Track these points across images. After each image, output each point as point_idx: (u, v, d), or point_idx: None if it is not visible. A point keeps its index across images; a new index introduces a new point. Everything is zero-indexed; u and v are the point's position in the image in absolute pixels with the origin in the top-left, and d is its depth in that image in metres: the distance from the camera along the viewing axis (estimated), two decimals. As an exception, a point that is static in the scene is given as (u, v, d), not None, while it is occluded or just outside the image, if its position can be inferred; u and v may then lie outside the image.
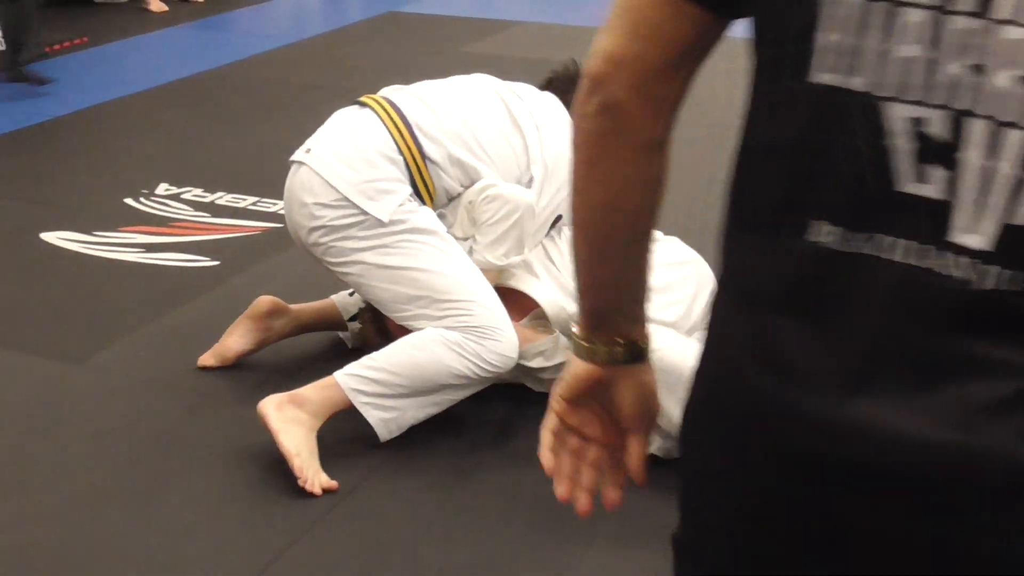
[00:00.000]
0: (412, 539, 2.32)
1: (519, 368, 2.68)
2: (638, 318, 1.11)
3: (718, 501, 1.00)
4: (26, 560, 2.24)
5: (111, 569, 2.22)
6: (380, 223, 2.56)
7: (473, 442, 2.64)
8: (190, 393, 2.84)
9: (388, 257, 2.57)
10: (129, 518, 2.36)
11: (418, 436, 2.58)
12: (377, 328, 2.84)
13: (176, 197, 4.12)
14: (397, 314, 2.61)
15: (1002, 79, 0.82)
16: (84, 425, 2.71)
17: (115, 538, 2.31)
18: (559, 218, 2.80)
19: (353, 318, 2.97)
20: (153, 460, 2.58)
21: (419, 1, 7.78)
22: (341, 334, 3.03)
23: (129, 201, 4.09)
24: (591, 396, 1.11)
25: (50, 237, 3.78)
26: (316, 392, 2.50)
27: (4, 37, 5.52)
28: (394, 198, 2.59)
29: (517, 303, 2.73)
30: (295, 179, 2.67)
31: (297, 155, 2.70)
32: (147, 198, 4.11)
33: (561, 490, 1.15)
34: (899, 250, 0.87)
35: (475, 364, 2.52)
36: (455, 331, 2.52)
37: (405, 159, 2.62)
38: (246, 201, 4.06)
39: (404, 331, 2.63)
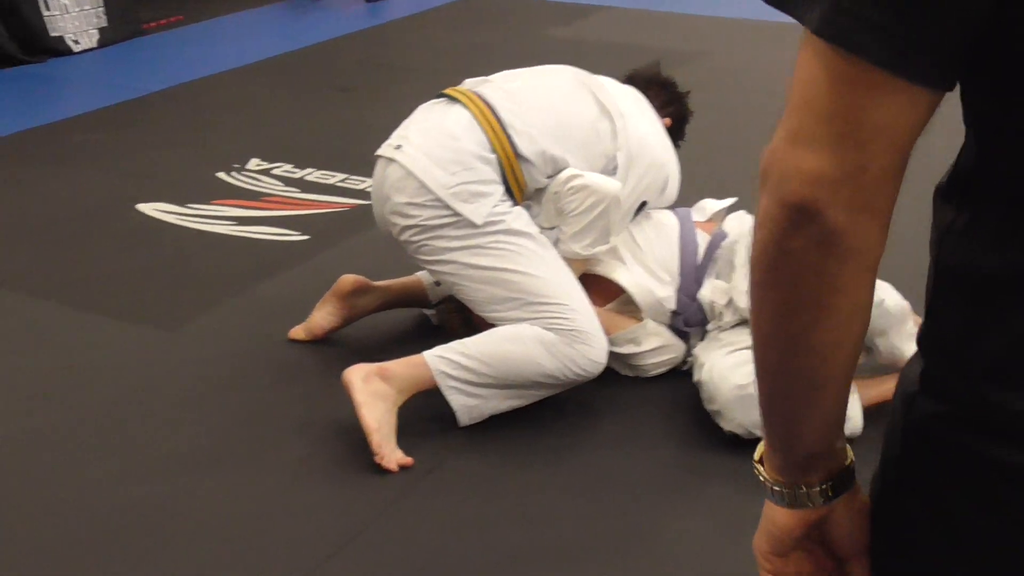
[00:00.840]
0: (491, 518, 2.35)
1: (610, 355, 2.71)
2: (844, 439, 0.98)
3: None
4: (128, 517, 2.32)
5: (203, 530, 2.29)
6: (473, 225, 2.56)
7: (555, 422, 2.66)
8: (279, 363, 2.91)
9: (482, 258, 2.57)
10: (219, 483, 2.44)
11: (498, 415, 2.61)
12: (462, 319, 2.86)
13: (267, 172, 4.21)
14: (489, 313, 2.61)
15: None
16: (177, 391, 2.80)
17: (206, 501, 2.38)
18: (644, 204, 2.81)
19: (436, 305, 3.01)
20: (243, 428, 2.65)
21: (505, -15, 7.81)
22: (426, 311, 3.08)
23: (222, 175, 4.18)
24: (804, 541, 0.99)
25: (146, 208, 3.89)
26: (404, 368, 2.52)
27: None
28: (488, 200, 2.59)
29: (603, 288, 2.75)
30: (386, 176, 2.66)
31: (385, 150, 2.70)
32: (239, 172, 4.21)
33: None
34: None
35: (566, 366, 2.54)
36: (550, 332, 2.53)
37: (499, 157, 2.62)
38: (335, 178, 4.13)
39: (489, 324, 2.64)
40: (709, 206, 2.96)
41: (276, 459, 2.53)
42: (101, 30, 6.19)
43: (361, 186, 4.04)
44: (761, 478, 0.99)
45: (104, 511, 2.34)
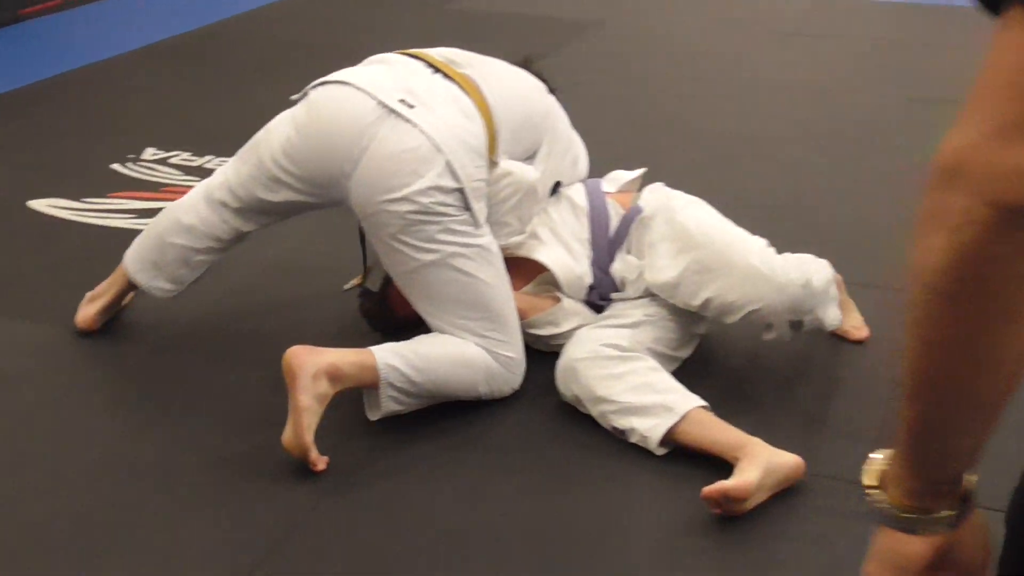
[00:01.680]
0: (426, 499, 2.30)
1: (528, 335, 2.66)
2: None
3: None
4: (52, 531, 2.21)
5: (136, 539, 2.19)
6: (475, 224, 2.44)
7: (465, 415, 2.59)
8: (198, 359, 2.81)
9: (467, 261, 2.43)
10: (149, 487, 2.34)
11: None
12: (380, 308, 2.78)
13: (164, 161, 4.06)
14: (439, 316, 2.48)
15: None
16: (93, 394, 2.69)
17: (136, 508, 2.27)
18: (558, 183, 2.76)
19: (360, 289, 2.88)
20: (167, 427, 2.55)
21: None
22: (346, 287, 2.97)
23: (116, 166, 4.03)
24: (933, 568, 0.95)
25: (39, 204, 3.72)
26: (354, 370, 2.35)
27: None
28: (485, 203, 2.50)
29: (521, 269, 2.70)
30: (388, 134, 2.39)
31: (390, 101, 2.40)
32: (134, 163, 4.06)
33: None
34: None
35: (493, 391, 2.52)
36: (495, 361, 2.49)
37: (487, 162, 2.50)
38: (237, 164, 4.00)
39: (410, 310, 2.56)
40: (620, 176, 2.92)
41: (205, 457, 2.42)
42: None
43: (265, 171, 3.92)
44: (881, 506, 0.95)
45: (14, 527, 2.22)
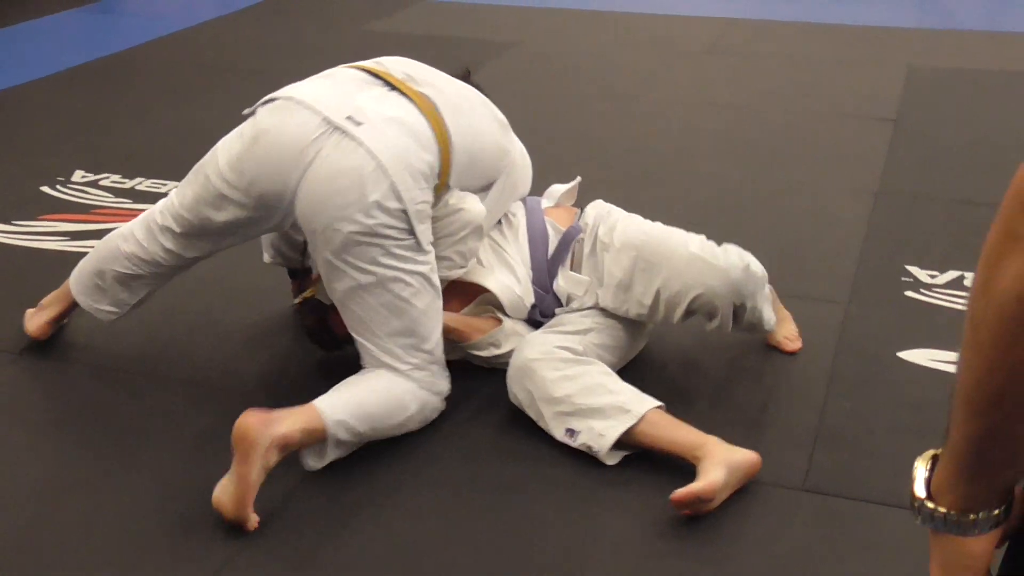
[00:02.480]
0: (380, 520, 2.35)
1: (470, 355, 2.73)
2: None
3: None
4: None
5: (75, 560, 2.20)
6: (418, 249, 2.42)
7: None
8: (131, 381, 2.83)
9: (405, 287, 2.41)
10: (86, 508, 2.34)
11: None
12: (319, 324, 2.79)
13: (94, 184, 4.07)
14: (370, 338, 2.46)
15: None
16: (26, 416, 2.70)
17: (75, 528, 2.29)
18: None
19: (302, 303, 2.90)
20: (101, 450, 2.56)
21: (313, -20, 7.72)
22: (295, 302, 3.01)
23: (45, 189, 4.02)
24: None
25: (-32, 228, 3.71)
26: (303, 436, 2.29)
27: None
28: (429, 226, 2.47)
29: (461, 290, 2.73)
30: (331, 154, 2.35)
31: (336, 117, 2.37)
32: (64, 185, 4.05)
33: None
34: None
35: (422, 419, 2.53)
36: (431, 398, 2.51)
37: (437, 184, 2.47)
38: (167, 186, 4.02)
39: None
40: (556, 190, 2.98)
41: (141, 480, 2.44)
42: None
43: (196, 192, 3.94)
44: (937, 513, 1.00)
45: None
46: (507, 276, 2.73)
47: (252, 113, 2.53)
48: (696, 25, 6.48)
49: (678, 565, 2.18)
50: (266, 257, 3.00)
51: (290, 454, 2.30)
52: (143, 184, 4.05)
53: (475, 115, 2.61)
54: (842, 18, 6.61)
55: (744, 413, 2.67)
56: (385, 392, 2.45)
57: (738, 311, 2.66)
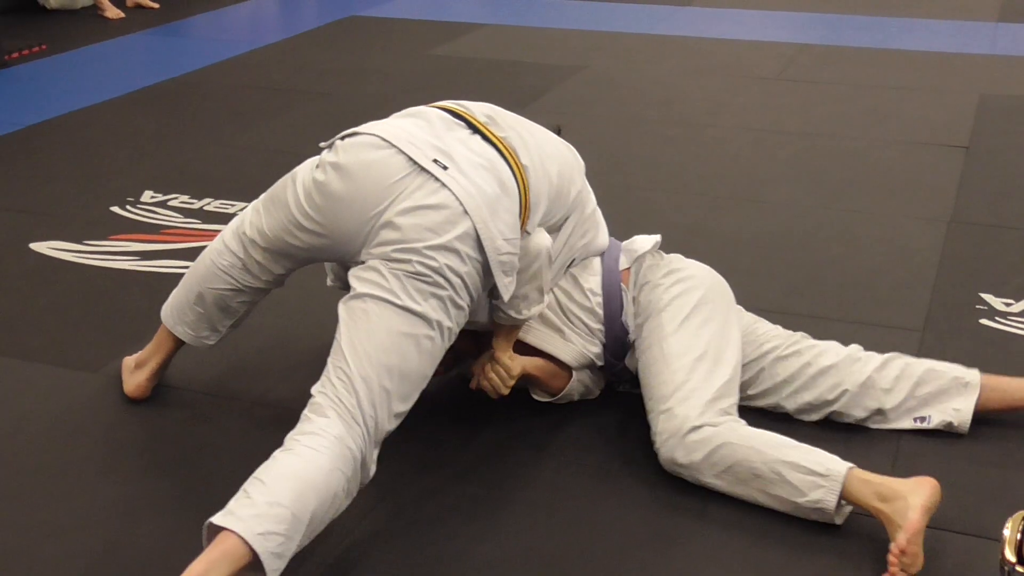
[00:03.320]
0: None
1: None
2: None
3: None
4: (69, 571, 2.23)
5: None
6: (468, 305, 2.32)
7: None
8: (204, 402, 2.84)
9: (430, 341, 2.25)
10: (167, 526, 2.36)
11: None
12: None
13: (163, 204, 4.10)
14: (347, 366, 2.21)
15: None
16: (106, 434, 2.70)
17: (155, 546, 2.30)
18: (572, 260, 2.71)
19: None
20: (180, 470, 2.58)
21: (378, 5, 7.78)
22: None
23: (116, 209, 4.06)
24: None
25: (40, 247, 3.75)
26: None
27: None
28: (514, 280, 2.39)
29: (525, 352, 2.68)
30: (422, 192, 2.27)
31: (421, 159, 2.29)
32: (133, 206, 4.09)
33: None
34: None
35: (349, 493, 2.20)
36: (356, 454, 2.17)
37: (519, 235, 2.38)
38: (236, 207, 4.05)
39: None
40: (637, 246, 2.79)
41: (218, 499, 2.44)
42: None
43: (264, 214, 3.97)
44: None
45: (40, 565, 2.24)
46: (579, 342, 2.68)
47: (330, 146, 2.44)
48: (765, 51, 6.44)
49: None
50: (329, 281, 2.99)
51: None
52: (211, 205, 4.08)
53: (555, 158, 2.53)
54: (913, 45, 6.53)
55: (823, 438, 2.61)
56: (313, 476, 2.10)
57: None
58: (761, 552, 2.27)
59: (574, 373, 2.70)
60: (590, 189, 2.73)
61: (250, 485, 2.08)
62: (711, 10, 7.55)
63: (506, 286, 2.36)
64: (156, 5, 7.78)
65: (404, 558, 2.26)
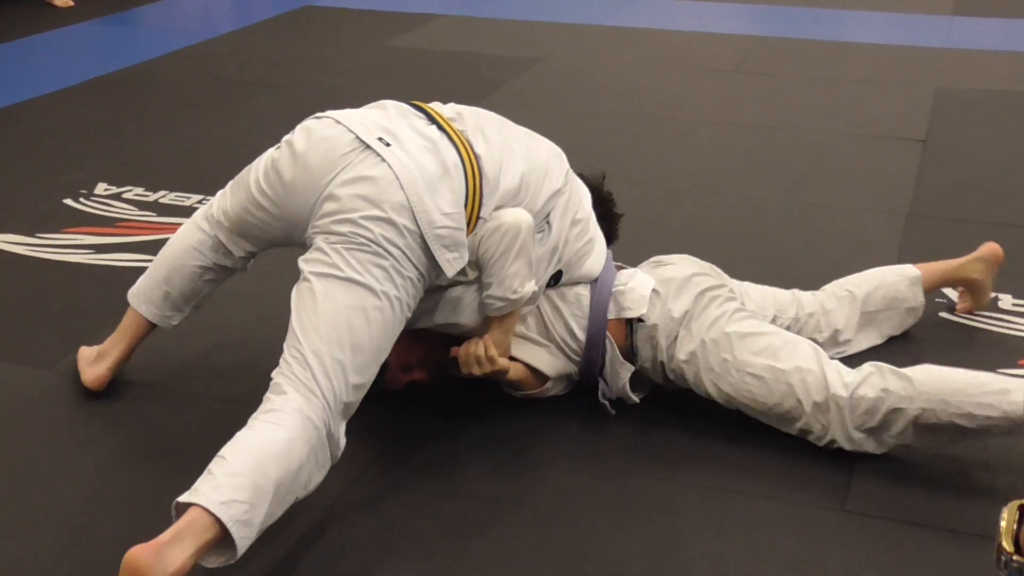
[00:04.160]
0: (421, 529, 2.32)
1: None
2: None
3: None
4: (31, 568, 2.18)
5: (116, 574, 2.17)
6: (420, 279, 2.37)
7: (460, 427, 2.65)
8: (167, 394, 2.80)
9: (379, 312, 2.29)
10: (127, 523, 2.31)
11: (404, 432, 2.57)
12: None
13: (117, 197, 4.04)
14: (300, 344, 2.25)
15: None
16: (64, 431, 2.66)
17: (115, 543, 2.23)
18: (559, 274, 2.68)
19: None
20: (141, 463, 2.54)
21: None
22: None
23: (69, 202, 3.99)
24: None
25: (-9, 240, 3.68)
26: (201, 551, 2.01)
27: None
28: (460, 255, 2.41)
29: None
30: (362, 165, 2.35)
31: (367, 137, 2.38)
32: (87, 198, 4.02)
33: None
34: None
35: (315, 464, 2.20)
36: (319, 420, 2.19)
37: (463, 215, 2.42)
38: (191, 199, 3.99)
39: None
40: (629, 300, 2.71)
41: (179, 493, 2.41)
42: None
43: (221, 206, 3.92)
44: None
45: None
46: (561, 359, 2.71)
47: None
48: (722, 43, 6.45)
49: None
50: None
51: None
52: (167, 197, 4.02)
53: (522, 159, 2.56)
54: (869, 38, 6.57)
55: (785, 434, 2.63)
56: (263, 441, 2.13)
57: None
58: (772, 542, 2.27)
59: (550, 381, 2.71)
60: (582, 202, 2.72)
61: (213, 463, 2.10)
62: (668, 1, 7.55)
63: (448, 261, 2.39)
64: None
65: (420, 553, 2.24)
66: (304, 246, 2.41)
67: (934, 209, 3.98)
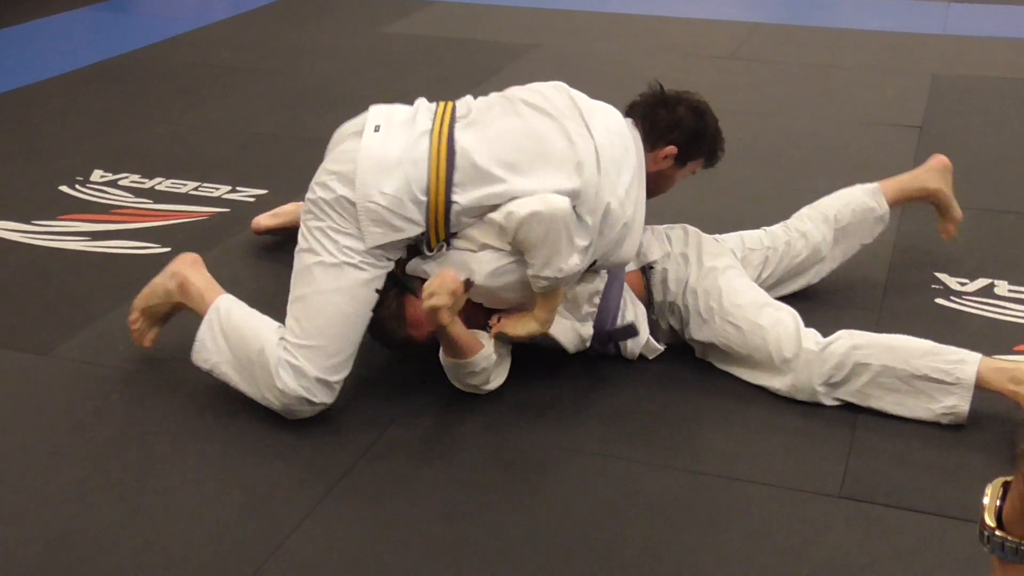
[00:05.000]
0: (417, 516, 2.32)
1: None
2: None
3: None
4: (26, 556, 2.19)
5: (114, 559, 2.17)
6: (357, 241, 2.56)
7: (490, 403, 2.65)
8: (163, 379, 2.80)
9: (322, 270, 2.57)
10: (123, 507, 2.32)
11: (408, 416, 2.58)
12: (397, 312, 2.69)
13: (113, 184, 4.03)
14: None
15: None
16: (61, 416, 2.66)
17: (112, 528, 2.26)
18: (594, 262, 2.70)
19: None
20: (137, 448, 2.54)
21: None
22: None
23: (65, 189, 3.98)
24: None
25: (-13, 227, 3.67)
26: (197, 299, 2.72)
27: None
28: (390, 234, 2.56)
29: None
30: (346, 145, 2.65)
31: (369, 125, 2.65)
32: (83, 185, 4.02)
33: None
34: None
35: (267, 386, 2.57)
36: (277, 349, 2.56)
37: (428, 204, 2.56)
38: (187, 186, 3.99)
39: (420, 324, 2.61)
40: (648, 251, 2.93)
41: (179, 475, 2.43)
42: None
43: (216, 193, 3.91)
44: (1011, 544, 1.03)
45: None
46: (572, 323, 2.78)
47: None
48: (718, 29, 6.44)
49: (714, 573, 2.15)
50: None
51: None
52: (163, 184, 4.02)
53: (520, 149, 2.61)
54: (865, 24, 6.57)
55: (781, 421, 2.64)
56: (262, 331, 2.62)
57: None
58: (767, 530, 2.27)
59: (488, 346, 2.65)
60: (615, 187, 2.66)
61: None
62: (664, -11, 7.55)
63: (370, 233, 2.55)
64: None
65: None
66: None
67: (930, 196, 3.98)
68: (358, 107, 2.77)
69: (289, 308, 2.62)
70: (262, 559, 2.16)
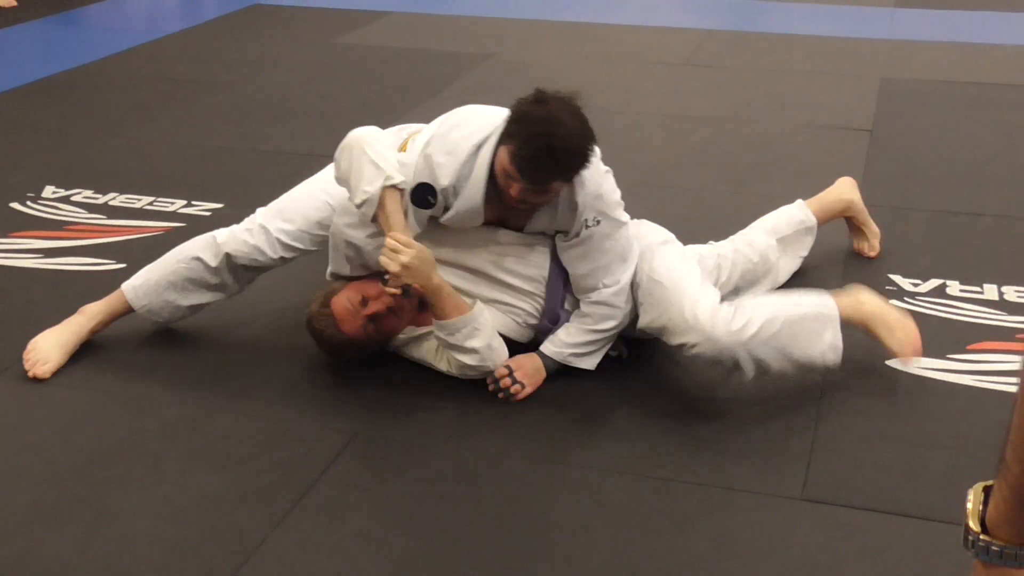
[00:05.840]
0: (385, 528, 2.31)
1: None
2: None
3: None
4: None
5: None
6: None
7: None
8: (121, 398, 2.77)
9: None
10: (81, 530, 2.29)
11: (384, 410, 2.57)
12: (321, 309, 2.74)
13: (66, 200, 3.99)
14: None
15: None
16: (16, 438, 2.62)
17: (70, 551, 2.23)
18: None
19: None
20: (97, 469, 2.50)
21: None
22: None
23: (15, 205, 3.94)
24: None
25: (-63, 245, 3.62)
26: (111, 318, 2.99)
27: None
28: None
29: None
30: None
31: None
32: (34, 201, 3.97)
33: None
34: None
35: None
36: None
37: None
38: (142, 201, 3.95)
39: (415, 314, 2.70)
40: None
41: (141, 496, 2.40)
42: None
43: (171, 208, 3.88)
44: (996, 548, 1.03)
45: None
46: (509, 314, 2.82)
47: None
48: (671, 37, 6.48)
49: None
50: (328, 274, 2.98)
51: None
52: (117, 199, 3.98)
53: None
54: (815, 30, 6.63)
55: (741, 425, 2.66)
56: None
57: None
58: (731, 534, 2.28)
59: (477, 304, 2.70)
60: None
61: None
62: (616, -4, 7.59)
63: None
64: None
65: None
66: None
67: (883, 198, 4.02)
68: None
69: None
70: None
